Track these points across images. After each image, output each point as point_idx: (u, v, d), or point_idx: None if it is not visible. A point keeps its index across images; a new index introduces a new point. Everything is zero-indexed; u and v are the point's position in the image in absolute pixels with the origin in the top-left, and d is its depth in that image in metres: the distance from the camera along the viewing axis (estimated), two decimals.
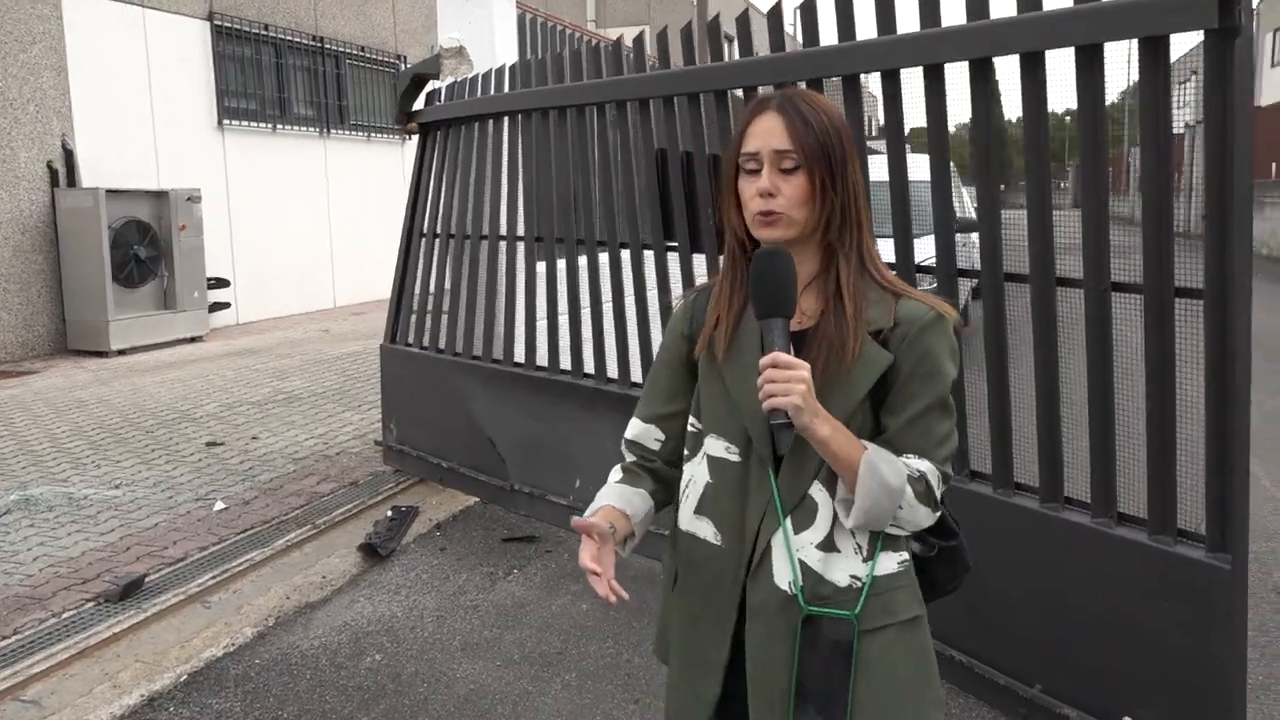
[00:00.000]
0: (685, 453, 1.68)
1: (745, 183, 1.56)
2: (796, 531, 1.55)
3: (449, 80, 5.34)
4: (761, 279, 1.50)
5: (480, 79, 5.00)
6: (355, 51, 14.29)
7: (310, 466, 5.82)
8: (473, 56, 5.34)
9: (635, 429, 1.76)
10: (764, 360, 1.45)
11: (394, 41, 15.04)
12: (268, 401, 7.66)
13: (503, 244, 4.91)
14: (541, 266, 4.66)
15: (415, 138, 5.53)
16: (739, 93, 3.63)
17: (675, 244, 3.93)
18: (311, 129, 13.54)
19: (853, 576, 1.54)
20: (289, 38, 13.04)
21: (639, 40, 4.25)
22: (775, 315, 1.48)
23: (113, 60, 10.67)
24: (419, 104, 5.54)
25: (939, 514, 1.57)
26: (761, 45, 3.53)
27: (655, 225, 3.96)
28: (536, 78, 4.65)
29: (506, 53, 5.47)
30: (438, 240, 5.34)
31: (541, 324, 4.69)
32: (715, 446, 1.62)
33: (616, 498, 1.67)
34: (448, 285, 5.21)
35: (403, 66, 14.98)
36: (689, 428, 1.68)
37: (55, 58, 10.06)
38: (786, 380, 1.43)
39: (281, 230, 12.93)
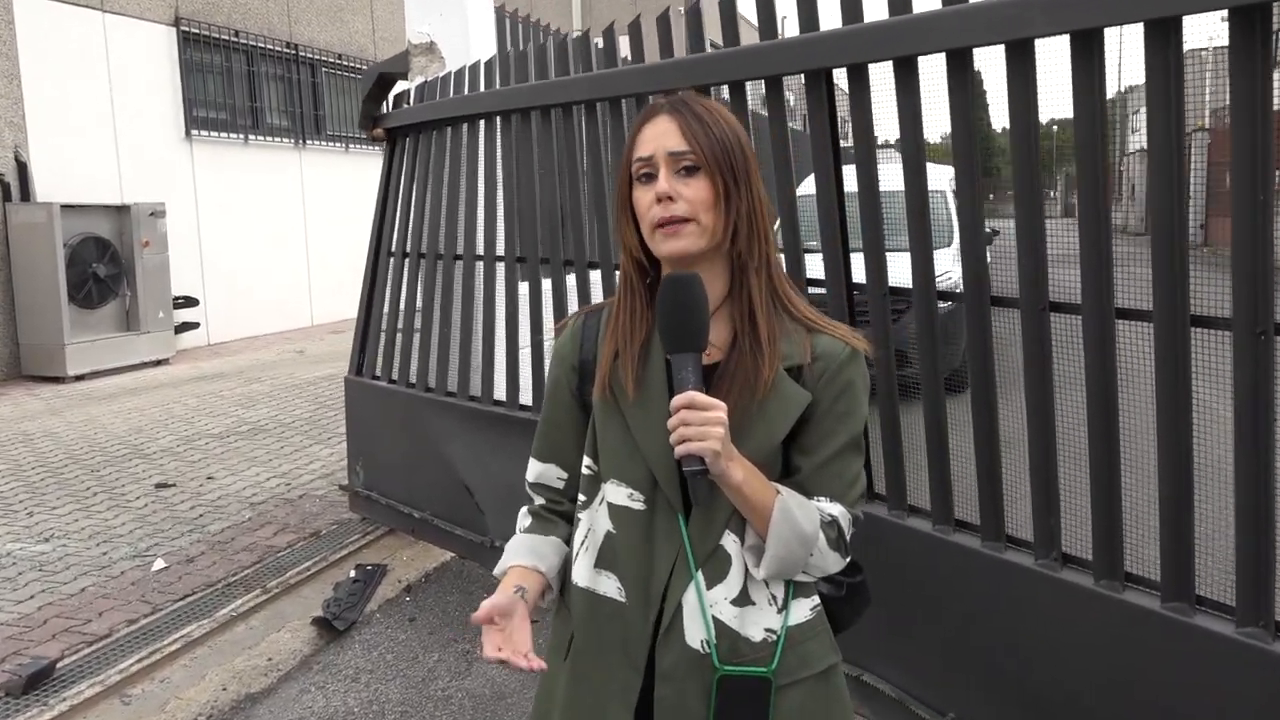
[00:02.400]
0: (581, 498, 1.54)
1: (640, 192, 1.44)
2: (709, 586, 1.44)
3: (419, 80, 4.74)
4: (672, 309, 1.37)
5: (454, 77, 4.40)
6: (331, 59, 13.69)
7: (268, 513, 5.19)
8: (445, 53, 4.74)
9: (535, 470, 1.63)
10: (677, 401, 1.33)
11: (372, 49, 14.44)
12: (229, 434, 7.03)
13: (480, 265, 4.30)
14: (525, 289, 4.06)
15: (383, 145, 4.91)
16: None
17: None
18: (286, 139, 12.92)
19: (768, 630, 1.45)
20: (261, 44, 12.43)
21: (636, 25, 3.63)
22: (687, 350, 1.36)
23: (70, 67, 10.03)
24: (386, 107, 4.94)
25: (846, 559, 1.48)
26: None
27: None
28: (518, 73, 4.06)
29: (482, 49, 4.87)
30: (408, 260, 4.73)
31: (525, 356, 4.08)
32: (616, 494, 1.49)
33: (526, 553, 1.54)
34: (419, 311, 4.60)
35: None
36: (584, 470, 1.55)
37: (6, 64, 9.42)
38: (703, 423, 1.31)
39: (255, 245, 12.29)
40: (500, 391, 4.22)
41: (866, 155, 2.64)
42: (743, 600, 1.44)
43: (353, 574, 4.35)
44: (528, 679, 3.47)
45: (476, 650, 3.70)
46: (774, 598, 1.46)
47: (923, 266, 2.52)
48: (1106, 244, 2.15)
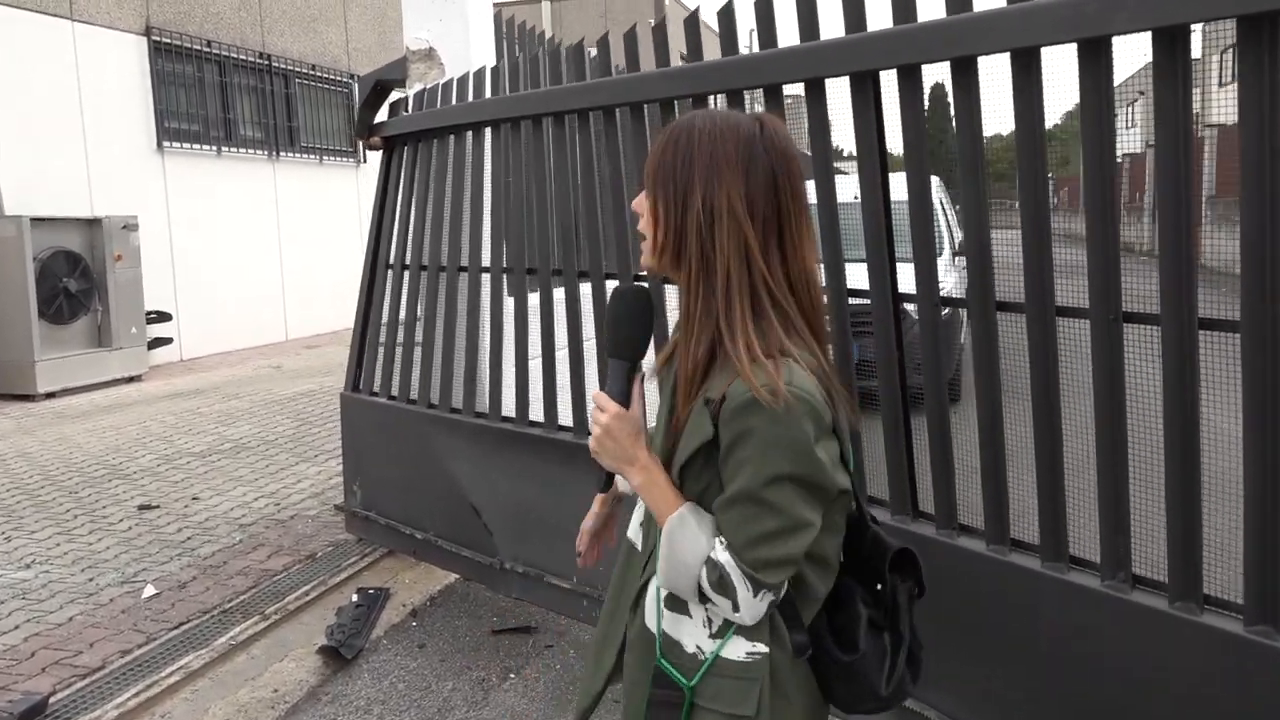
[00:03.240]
0: None
1: None
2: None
3: (417, 87, 4.60)
4: (608, 318, 1.56)
5: (456, 84, 4.27)
6: (305, 70, 13.48)
7: (259, 535, 5.01)
8: (444, 60, 4.61)
9: None
10: (591, 396, 1.53)
11: (346, 60, 14.25)
12: (211, 452, 6.82)
13: (487, 276, 4.16)
14: (535, 301, 3.93)
15: (378, 154, 4.76)
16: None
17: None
18: (259, 151, 12.69)
19: (698, 646, 1.47)
20: (234, 55, 12.21)
21: (661, 28, 3.49)
22: (616, 356, 1.51)
23: (38, 77, 9.78)
24: (382, 115, 4.78)
25: (746, 614, 1.39)
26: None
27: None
28: (530, 78, 3.94)
29: (482, 56, 4.74)
30: (408, 272, 4.58)
31: (536, 370, 3.95)
32: None
33: None
34: (421, 324, 4.45)
35: (355, 86, 14.23)
36: None
37: None
38: (594, 421, 1.49)
39: (228, 259, 12.05)
40: (509, 407, 4.09)
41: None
42: (676, 606, 1.49)
43: (355, 598, 4.19)
44: (546, 708, 3.33)
45: (493, 677, 3.55)
46: (709, 620, 1.46)
47: (980, 278, 2.42)
48: (1189, 252, 2.06)
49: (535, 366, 3.95)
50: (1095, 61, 2.11)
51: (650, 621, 1.52)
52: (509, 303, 4.08)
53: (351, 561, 4.60)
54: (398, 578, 4.45)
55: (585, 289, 3.77)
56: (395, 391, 4.58)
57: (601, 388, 1.54)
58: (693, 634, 1.48)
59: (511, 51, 4.95)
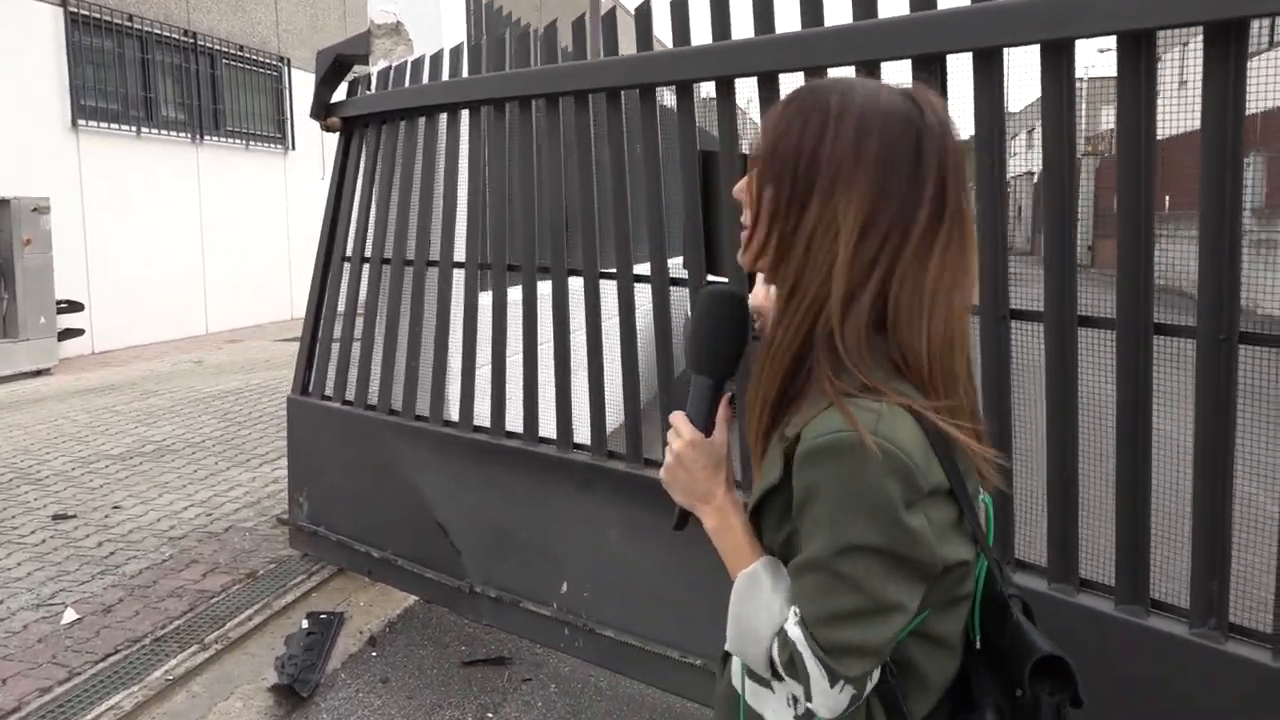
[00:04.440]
0: None
1: None
2: None
3: (382, 64, 4.22)
4: (692, 325, 1.26)
5: (430, 62, 3.90)
6: (233, 50, 12.83)
7: (192, 550, 4.56)
8: (412, 35, 4.24)
9: None
10: (669, 417, 1.25)
11: (276, 42, 13.63)
12: (132, 454, 6.30)
13: (459, 272, 3.81)
14: (517, 296, 3.59)
15: (335, 136, 4.36)
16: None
17: (723, 279, 2.92)
18: (182, 134, 12.02)
19: None
20: (157, 31, 11.54)
21: (611, 16, 3.19)
22: (699, 371, 1.24)
23: None
24: (341, 93, 4.39)
25: (816, 706, 1.10)
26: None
27: (694, 255, 2.94)
28: (517, 57, 3.60)
29: (453, 33, 4.38)
30: (367, 266, 4.20)
31: (516, 376, 3.61)
32: None
33: None
34: (384, 323, 4.07)
35: (285, 70, 13.64)
36: None
37: None
38: (669, 447, 1.23)
39: (146, 247, 11.38)
40: (483, 417, 3.74)
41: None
42: (755, 676, 1.23)
43: (305, 624, 3.79)
44: None
45: (468, 717, 3.20)
46: (794, 699, 1.18)
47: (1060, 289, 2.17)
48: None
49: (514, 373, 3.62)
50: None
51: (736, 682, 1.28)
52: (485, 301, 3.73)
53: (298, 581, 4.19)
54: (351, 600, 4.06)
55: (575, 284, 3.44)
56: (352, 396, 4.19)
57: (680, 409, 1.29)
58: (776, 711, 1.22)
59: (479, 33, 4.59)
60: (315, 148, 14.11)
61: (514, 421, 3.64)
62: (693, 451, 1.23)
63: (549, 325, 3.45)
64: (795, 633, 1.11)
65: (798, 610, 1.12)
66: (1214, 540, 2.04)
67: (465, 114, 3.74)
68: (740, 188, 1.23)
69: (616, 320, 3.26)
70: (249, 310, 12.82)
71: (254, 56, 13.20)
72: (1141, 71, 2.01)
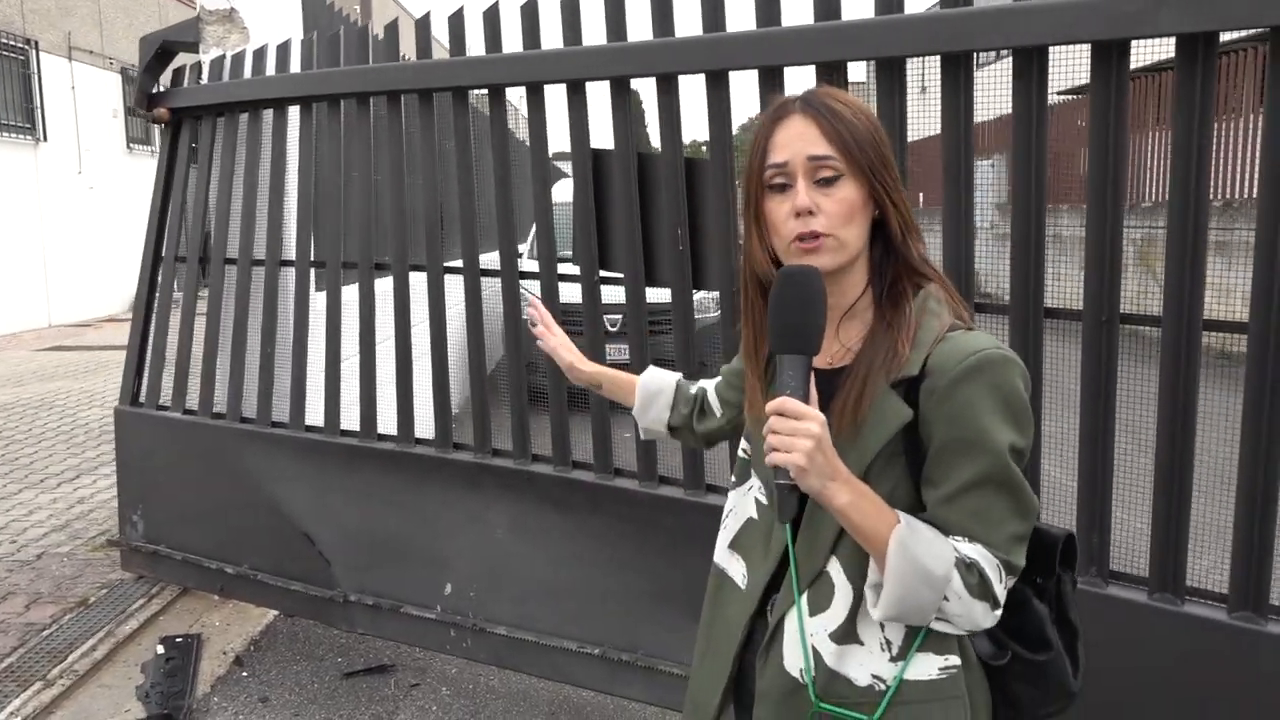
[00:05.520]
0: (732, 479, 1.52)
1: (774, 203, 1.32)
2: (812, 613, 1.33)
3: (215, 53, 3.99)
4: (781, 306, 1.25)
5: (275, 51, 3.73)
6: None
7: (5, 581, 4.16)
8: (247, 24, 4.03)
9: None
10: (770, 406, 1.21)
11: (20, 22, 12.42)
12: None
13: (317, 272, 3.67)
14: (385, 290, 3.51)
15: (162, 127, 4.07)
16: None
17: (618, 275, 2.98)
18: None
19: (875, 676, 1.30)
20: None
21: (458, 15, 3.24)
22: (794, 351, 1.23)
23: None
24: (166, 82, 4.11)
25: (998, 611, 1.25)
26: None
27: (587, 251, 2.98)
28: (357, 52, 3.51)
29: (290, 24, 4.20)
30: (205, 266, 3.96)
31: (387, 376, 3.53)
32: (755, 484, 1.46)
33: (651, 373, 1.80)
34: (229, 327, 3.86)
35: (34, 53, 12.48)
36: (740, 453, 1.52)
37: None
38: (792, 433, 1.19)
39: None
40: (351, 420, 3.63)
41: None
42: (846, 638, 1.31)
43: (160, 649, 3.55)
44: None
45: None
46: (888, 643, 1.30)
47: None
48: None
49: (386, 377, 3.54)
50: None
51: (793, 666, 1.34)
52: (351, 300, 3.62)
53: (138, 605, 3.91)
54: (205, 620, 3.83)
55: (454, 281, 3.41)
56: (195, 405, 3.95)
57: (775, 391, 1.25)
58: (865, 663, 1.31)
59: (311, 25, 4.41)
60: (70, 139, 12.98)
61: (386, 424, 3.56)
62: (825, 431, 1.20)
63: (424, 323, 3.40)
64: (976, 552, 1.23)
65: (968, 536, 1.24)
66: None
67: (318, 108, 3.61)
68: (813, 200, 1.30)
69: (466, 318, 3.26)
70: (11, 314, 11.69)
71: None
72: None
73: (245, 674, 3.46)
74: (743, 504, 1.47)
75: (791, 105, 1.33)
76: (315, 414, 3.67)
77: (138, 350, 4.12)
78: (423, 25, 3.27)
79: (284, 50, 3.72)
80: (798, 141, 1.29)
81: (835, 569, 1.32)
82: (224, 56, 3.91)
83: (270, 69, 3.76)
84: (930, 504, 1.27)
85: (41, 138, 12.64)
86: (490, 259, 3.23)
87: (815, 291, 1.24)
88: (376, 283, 3.51)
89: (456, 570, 3.37)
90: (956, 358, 1.24)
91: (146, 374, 4.09)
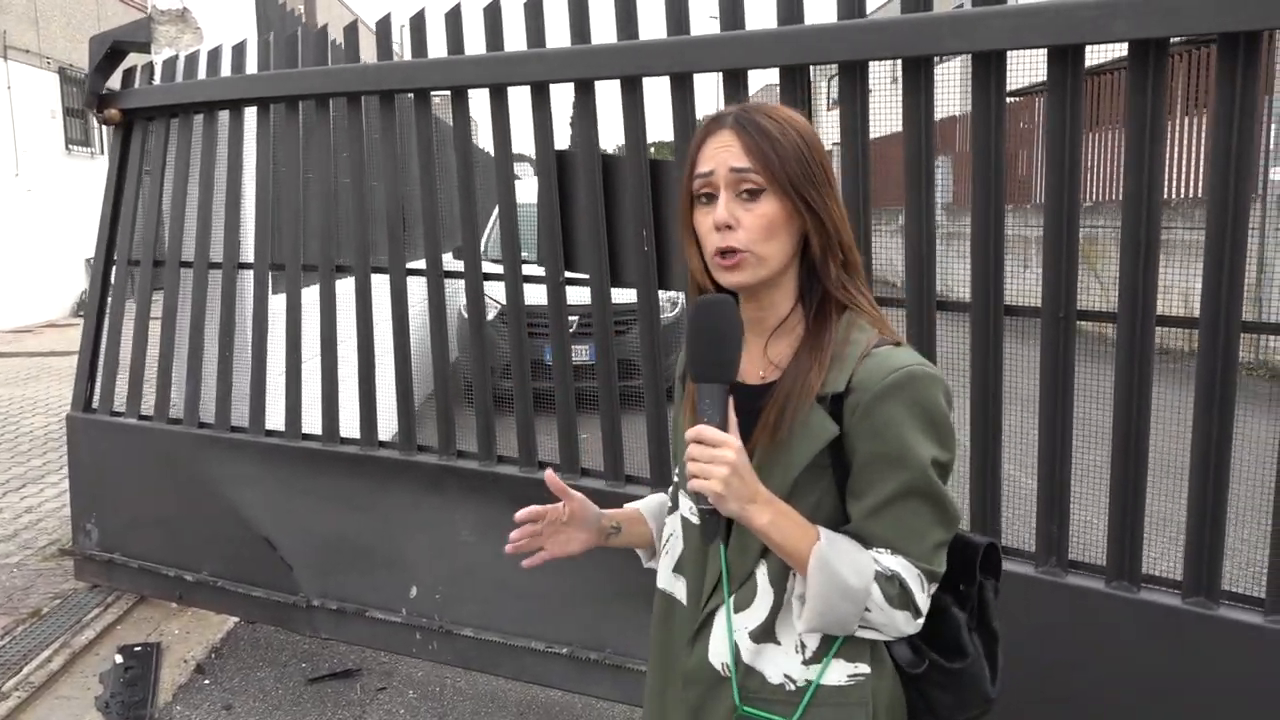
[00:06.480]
0: (669, 504, 1.54)
1: (701, 214, 1.34)
2: (737, 610, 1.37)
3: (167, 53, 3.94)
4: (696, 336, 1.27)
5: (231, 52, 3.69)
6: None
7: None
8: (200, 24, 3.98)
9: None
10: (689, 434, 1.25)
11: None
12: None
13: (279, 274, 3.64)
14: (346, 290, 3.49)
15: (113, 129, 4.01)
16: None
17: (584, 276, 3.00)
18: None
19: (786, 675, 1.34)
20: None
21: (419, 17, 3.24)
22: (711, 380, 1.25)
23: None
24: (116, 83, 4.04)
25: (920, 620, 1.30)
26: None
27: (552, 251, 3.00)
28: (315, 53, 3.49)
29: (243, 25, 4.15)
30: (160, 269, 3.91)
31: (349, 378, 3.51)
32: (685, 505, 1.47)
33: (648, 505, 1.65)
34: (186, 331, 3.81)
35: None
36: (674, 477, 1.52)
37: None
38: (710, 460, 1.22)
39: None
40: (313, 424, 3.60)
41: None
42: (764, 636, 1.36)
43: (119, 659, 3.50)
44: None
45: None
46: (803, 645, 1.34)
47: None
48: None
49: (348, 379, 3.51)
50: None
51: (716, 659, 1.39)
52: (311, 303, 3.59)
53: (94, 615, 3.85)
54: (163, 628, 3.78)
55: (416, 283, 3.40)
56: (150, 410, 3.89)
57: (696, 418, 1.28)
58: (779, 662, 1.34)
59: (265, 25, 4.37)
60: (7, 140, 12.69)
61: (349, 426, 3.54)
62: (743, 458, 1.24)
63: (387, 325, 3.39)
64: (896, 563, 1.27)
65: (889, 548, 1.28)
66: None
67: (275, 109, 3.58)
68: (732, 215, 1.31)
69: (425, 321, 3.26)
70: None
71: None
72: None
73: (208, 682, 3.42)
74: (680, 527, 1.49)
75: (723, 118, 1.34)
76: (275, 418, 3.64)
77: (90, 355, 4.05)
78: (383, 26, 3.27)
79: (239, 51, 3.68)
80: (723, 153, 1.30)
81: (761, 573, 1.36)
82: (176, 57, 3.86)
83: (225, 70, 3.72)
84: (855, 516, 1.31)
85: None
86: (444, 260, 3.23)
87: (729, 323, 1.25)
88: (337, 284, 3.50)
89: (422, 573, 3.36)
90: (880, 374, 1.27)
91: (100, 379, 4.02)
